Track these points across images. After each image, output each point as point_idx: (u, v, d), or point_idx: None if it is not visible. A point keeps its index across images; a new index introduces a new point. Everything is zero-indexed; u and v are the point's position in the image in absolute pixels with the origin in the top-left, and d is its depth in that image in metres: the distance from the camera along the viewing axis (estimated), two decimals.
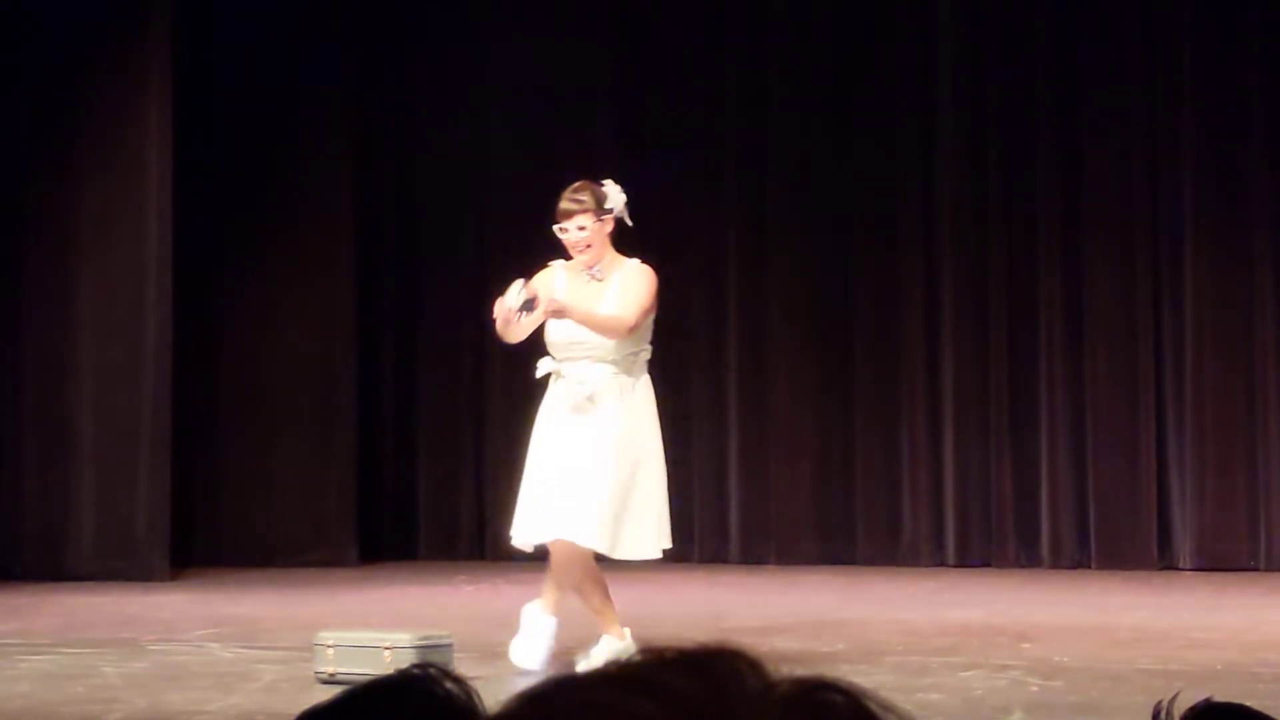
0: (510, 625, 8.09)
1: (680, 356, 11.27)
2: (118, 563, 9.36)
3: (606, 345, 6.76)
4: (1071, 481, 10.78)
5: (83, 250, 10.05)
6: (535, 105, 11.29)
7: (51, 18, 10.04)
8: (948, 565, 10.79)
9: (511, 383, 11.43)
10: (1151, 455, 10.70)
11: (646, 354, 6.92)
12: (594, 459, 6.70)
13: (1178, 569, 10.55)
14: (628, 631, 6.90)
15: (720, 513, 11.16)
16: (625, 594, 9.65)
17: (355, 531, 10.89)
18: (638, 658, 0.76)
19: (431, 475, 11.42)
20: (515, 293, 6.69)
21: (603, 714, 0.72)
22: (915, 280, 10.97)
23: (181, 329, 10.15)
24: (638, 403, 6.83)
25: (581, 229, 6.79)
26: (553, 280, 6.88)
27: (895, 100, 11.02)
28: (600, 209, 6.82)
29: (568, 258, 6.92)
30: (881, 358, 10.99)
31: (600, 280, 6.86)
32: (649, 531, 6.87)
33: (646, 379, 6.89)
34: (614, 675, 0.75)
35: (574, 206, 6.83)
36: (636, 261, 6.93)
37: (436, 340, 11.46)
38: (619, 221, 6.87)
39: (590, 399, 6.72)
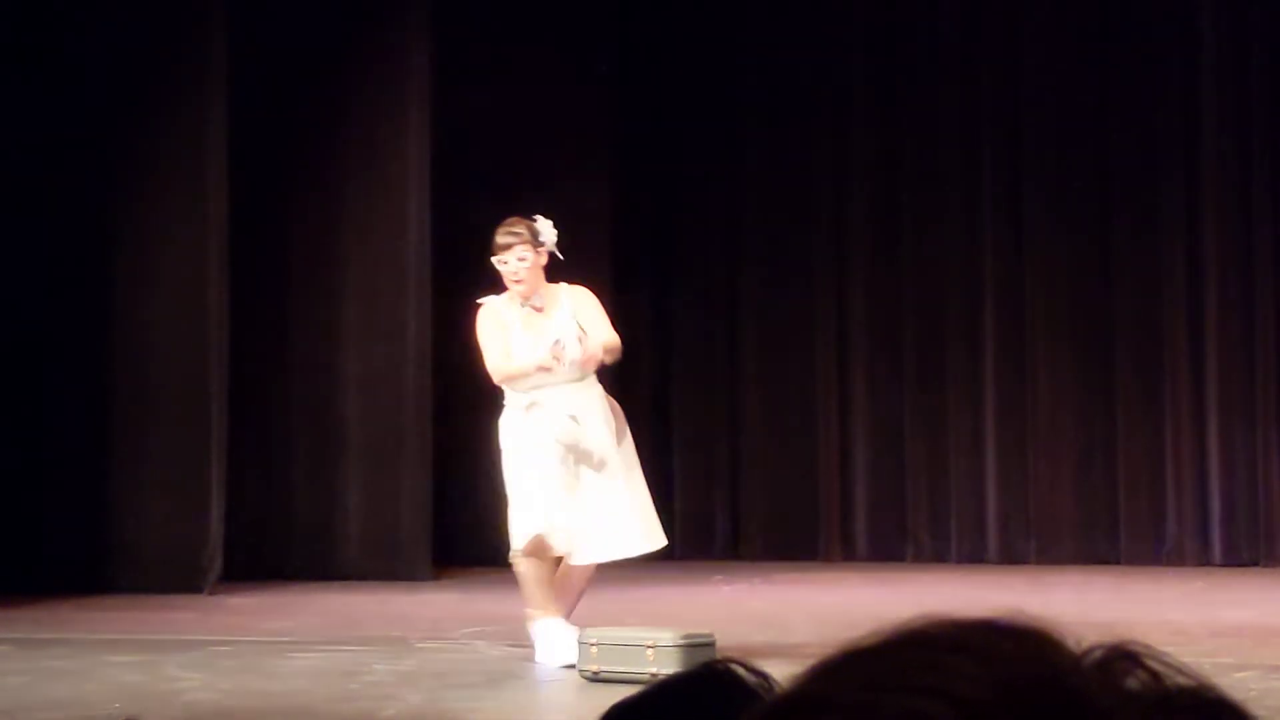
0: (769, 624, 8.09)
1: (937, 354, 11.16)
2: (384, 562, 9.54)
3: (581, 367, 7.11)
4: None
5: (347, 260, 10.24)
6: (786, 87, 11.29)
7: (305, 23, 10.20)
8: (1213, 564, 10.53)
9: (765, 383, 11.43)
10: None
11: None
12: (606, 470, 7.07)
13: None
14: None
15: (978, 512, 11.03)
16: (883, 595, 9.59)
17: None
18: (922, 627, 0.73)
19: (687, 476, 11.46)
20: (553, 347, 7.03)
21: (925, 672, 0.70)
22: (1177, 270, 10.73)
23: (441, 332, 10.30)
24: (610, 413, 7.14)
25: (522, 260, 7.12)
26: (505, 316, 7.18)
27: (1155, 90, 10.79)
28: (536, 241, 7.13)
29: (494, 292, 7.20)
30: (1143, 351, 10.77)
31: (540, 310, 7.16)
32: (648, 525, 7.17)
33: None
34: (921, 637, 0.72)
35: (512, 239, 7.15)
36: (578, 286, 7.23)
37: (688, 340, 11.50)
38: (551, 256, 7.17)
39: (574, 418, 7.05)
